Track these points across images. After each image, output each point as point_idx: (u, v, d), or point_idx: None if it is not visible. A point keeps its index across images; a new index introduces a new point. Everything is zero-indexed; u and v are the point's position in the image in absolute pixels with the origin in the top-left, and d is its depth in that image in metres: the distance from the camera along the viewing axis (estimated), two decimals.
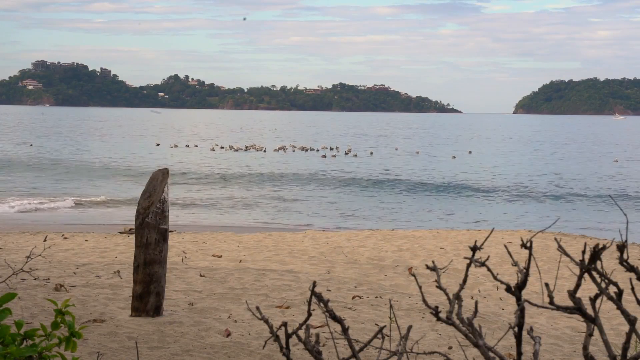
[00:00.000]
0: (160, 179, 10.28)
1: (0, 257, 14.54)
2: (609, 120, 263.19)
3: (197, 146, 72.66)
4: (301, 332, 2.80)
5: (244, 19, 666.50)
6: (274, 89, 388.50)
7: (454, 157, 64.90)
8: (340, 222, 29.09)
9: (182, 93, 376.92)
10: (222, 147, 70.63)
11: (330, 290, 12.48)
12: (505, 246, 2.80)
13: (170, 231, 13.14)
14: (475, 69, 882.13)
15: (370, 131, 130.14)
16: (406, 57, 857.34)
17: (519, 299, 2.65)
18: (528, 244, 2.68)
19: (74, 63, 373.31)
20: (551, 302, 2.62)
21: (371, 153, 68.14)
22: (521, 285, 2.66)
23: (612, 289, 2.63)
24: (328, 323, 4.93)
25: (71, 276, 12.86)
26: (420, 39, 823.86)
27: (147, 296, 10.00)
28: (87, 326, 8.96)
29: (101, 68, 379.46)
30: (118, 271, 13.38)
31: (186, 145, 73.75)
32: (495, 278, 2.74)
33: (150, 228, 10.04)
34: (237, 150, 68.90)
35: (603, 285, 2.60)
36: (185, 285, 12.41)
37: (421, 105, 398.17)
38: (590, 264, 2.59)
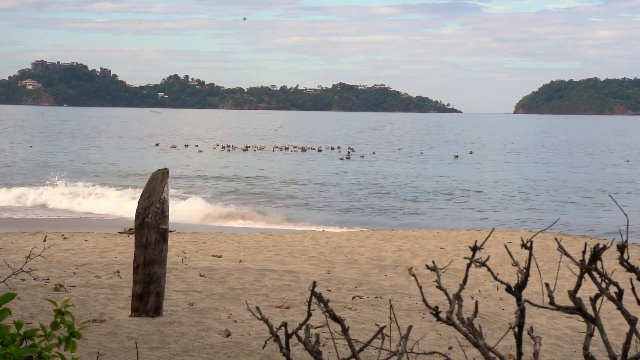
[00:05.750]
0: (160, 179, 10.27)
1: (0, 257, 14.53)
2: (638, 120, 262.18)
3: (197, 146, 72.72)
4: (301, 332, 2.79)
5: (244, 19, 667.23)
6: (274, 88, 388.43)
7: (457, 157, 65.21)
8: (341, 223, 29.09)
9: (182, 93, 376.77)
10: (223, 147, 70.72)
11: (330, 290, 12.47)
12: (506, 246, 2.80)
13: (170, 231, 13.13)
14: (476, 69, 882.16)
15: (372, 131, 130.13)
16: (407, 57, 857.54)
17: (519, 299, 2.65)
18: (528, 244, 2.67)
19: (73, 63, 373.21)
20: (551, 302, 2.62)
21: (374, 153, 68.31)
22: (521, 285, 2.66)
23: (612, 289, 2.62)
24: (328, 323, 4.93)
25: (71, 276, 12.85)
26: (421, 38, 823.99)
27: (147, 296, 10.00)
28: (87, 326, 8.96)
29: (101, 68, 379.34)
30: (118, 271, 13.38)
31: (185, 145, 73.79)
32: (495, 278, 2.74)
33: (150, 228, 10.03)
34: (232, 149, 68.99)
35: (603, 285, 2.59)
36: (185, 285, 12.41)
37: (421, 105, 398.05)
38: (590, 264, 2.58)
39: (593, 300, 2.62)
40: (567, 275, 14.54)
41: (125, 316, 9.94)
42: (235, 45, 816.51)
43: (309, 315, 2.88)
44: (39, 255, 12.68)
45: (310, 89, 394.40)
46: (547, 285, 2.55)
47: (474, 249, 2.71)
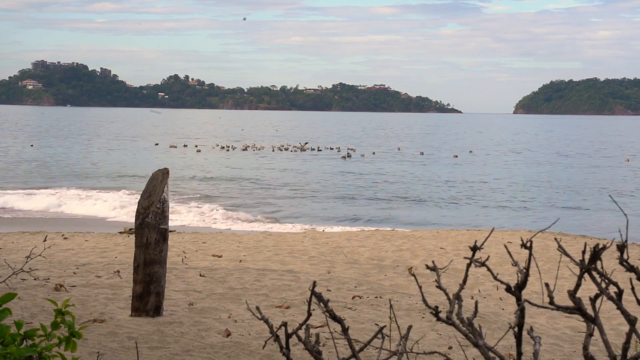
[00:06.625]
0: (160, 179, 10.28)
1: (0, 257, 14.54)
2: (638, 120, 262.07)
3: (196, 146, 72.73)
4: (301, 332, 2.80)
5: (244, 19, 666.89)
6: (274, 89, 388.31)
7: (456, 156, 65.41)
8: (341, 222, 29.10)
9: (182, 93, 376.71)
10: (222, 147, 70.78)
11: (330, 290, 12.48)
12: (505, 246, 2.80)
13: (170, 231, 13.13)
14: (476, 69, 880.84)
15: (372, 131, 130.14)
16: (407, 57, 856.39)
17: (519, 299, 2.65)
18: (528, 244, 2.68)
19: (73, 63, 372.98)
20: (551, 302, 2.62)
21: (374, 153, 68.43)
22: (521, 285, 2.66)
23: (612, 289, 2.63)
24: (328, 323, 4.93)
25: (71, 276, 12.86)
26: (421, 39, 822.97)
27: (147, 296, 10.00)
28: (87, 326, 8.96)
29: (101, 68, 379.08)
30: (118, 271, 13.38)
31: (184, 145, 73.79)
32: (495, 278, 2.74)
33: (150, 228, 10.04)
34: (232, 150, 69.07)
35: (603, 285, 2.59)
36: (185, 285, 12.41)
37: (421, 105, 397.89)
38: (590, 264, 2.58)
39: (593, 300, 2.63)
40: (567, 275, 14.54)
41: (125, 316, 9.94)
42: (235, 45, 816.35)
43: (309, 315, 2.89)
44: (40, 255, 12.70)
45: (310, 89, 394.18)
46: (546, 285, 2.55)
47: (474, 248, 2.71)
